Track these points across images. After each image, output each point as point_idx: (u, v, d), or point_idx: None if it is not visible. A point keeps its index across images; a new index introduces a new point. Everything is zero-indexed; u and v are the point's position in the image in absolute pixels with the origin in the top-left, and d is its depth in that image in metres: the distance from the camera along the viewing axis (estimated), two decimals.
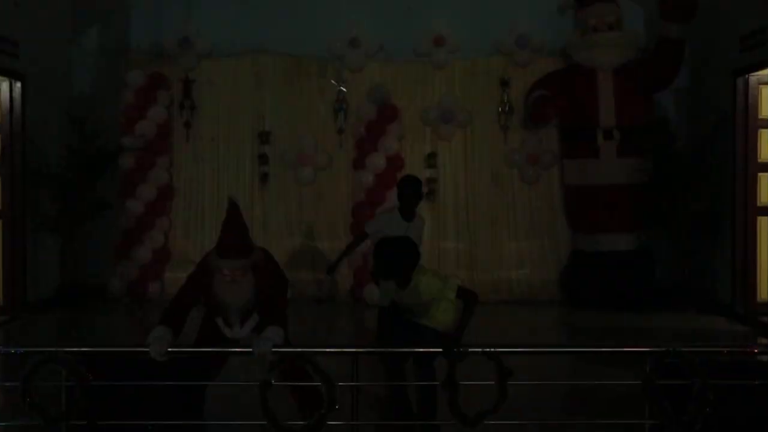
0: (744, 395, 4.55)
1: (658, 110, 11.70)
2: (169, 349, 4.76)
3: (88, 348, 4.75)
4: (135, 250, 11.86)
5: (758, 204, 10.61)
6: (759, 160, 10.59)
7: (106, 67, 12.37)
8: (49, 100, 11.39)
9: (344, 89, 12.33)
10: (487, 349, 4.28)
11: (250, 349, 4.66)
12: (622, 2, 11.75)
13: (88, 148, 11.44)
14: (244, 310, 5.23)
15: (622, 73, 11.41)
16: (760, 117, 10.60)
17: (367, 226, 7.28)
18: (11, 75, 10.62)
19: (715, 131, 10.79)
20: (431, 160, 12.26)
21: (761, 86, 10.58)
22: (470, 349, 4.32)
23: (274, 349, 4.60)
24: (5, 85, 10.67)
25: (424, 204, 12.05)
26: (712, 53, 11.33)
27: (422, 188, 7.16)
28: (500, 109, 12.28)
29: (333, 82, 12.36)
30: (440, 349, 4.64)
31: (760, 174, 10.60)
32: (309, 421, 4.34)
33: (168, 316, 5.15)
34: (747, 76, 10.51)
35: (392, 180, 11.83)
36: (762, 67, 10.27)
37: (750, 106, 10.55)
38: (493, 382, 4.22)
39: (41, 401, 4.40)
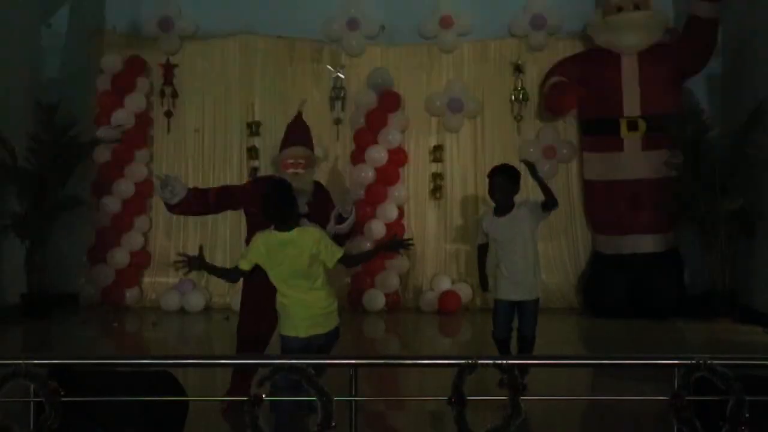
0: None
1: (688, 98, 11.71)
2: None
3: (60, 360, 4.75)
4: (111, 252, 11.87)
5: None
6: None
7: (79, 50, 12.36)
8: (16, 87, 11.39)
9: (342, 75, 12.34)
10: (500, 362, 4.28)
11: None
12: None
13: (59, 140, 11.44)
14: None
15: (649, 57, 11.41)
16: None
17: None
18: None
19: (752, 120, 10.77)
20: (437, 153, 12.27)
21: None
22: (481, 361, 4.32)
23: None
24: None
25: (429, 202, 12.13)
26: (748, 34, 11.31)
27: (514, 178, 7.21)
28: (513, 97, 12.28)
29: (329, 67, 12.36)
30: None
31: None
32: None
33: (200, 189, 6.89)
34: None
35: (394, 175, 11.86)
36: None
37: None
38: (505, 397, 4.22)
39: (6, 420, 4.40)
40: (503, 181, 7.15)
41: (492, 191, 7.22)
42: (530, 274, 7.17)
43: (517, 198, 7.26)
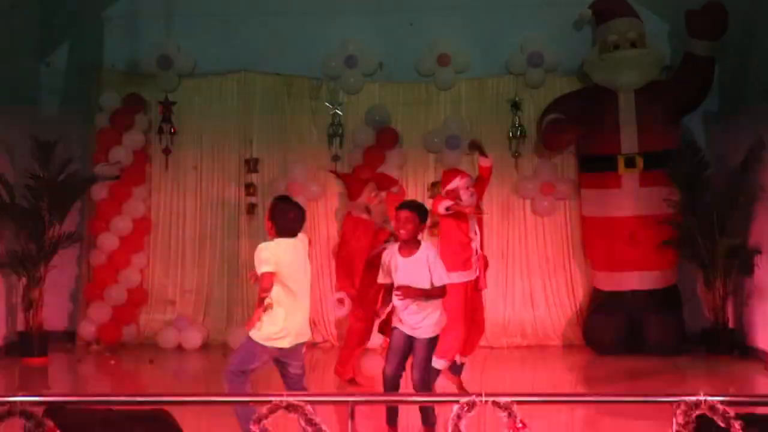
0: None
1: (685, 135, 11.74)
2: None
3: (55, 398, 4.71)
4: (107, 290, 11.82)
5: None
6: None
7: (78, 88, 12.38)
8: (14, 124, 11.40)
9: (340, 112, 12.36)
10: (498, 399, 4.26)
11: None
12: (645, 16, 11.81)
13: (57, 177, 11.44)
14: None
15: (646, 95, 11.45)
16: None
17: None
18: None
19: (749, 157, 10.80)
20: (435, 189, 12.26)
21: None
22: (479, 399, 4.30)
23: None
24: None
25: (426, 238, 12.11)
26: (745, 72, 11.37)
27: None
28: (511, 134, 12.30)
29: (327, 104, 12.39)
30: None
31: None
32: None
33: None
34: None
35: (392, 212, 11.84)
36: None
37: None
38: None
39: None
40: (414, 216, 6.87)
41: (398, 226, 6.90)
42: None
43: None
